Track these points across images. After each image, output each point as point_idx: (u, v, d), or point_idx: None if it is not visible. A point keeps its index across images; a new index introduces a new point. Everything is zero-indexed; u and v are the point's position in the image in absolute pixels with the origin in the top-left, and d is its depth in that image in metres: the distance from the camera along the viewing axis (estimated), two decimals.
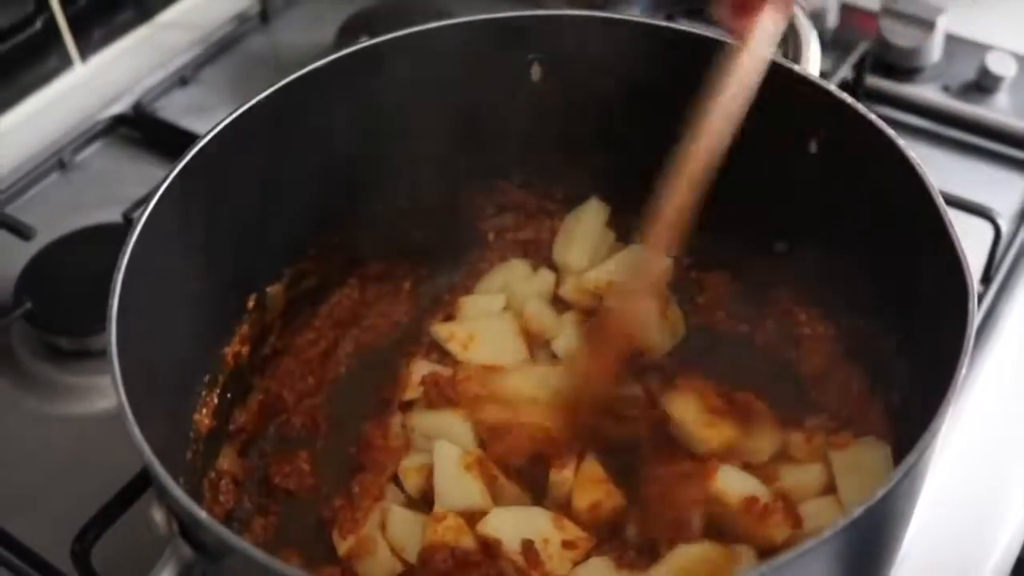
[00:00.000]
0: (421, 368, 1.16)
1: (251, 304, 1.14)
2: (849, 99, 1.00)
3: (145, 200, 0.96)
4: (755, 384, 1.12)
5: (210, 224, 1.05)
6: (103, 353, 1.27)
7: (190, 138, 1.02)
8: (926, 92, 1.55)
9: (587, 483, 1.06)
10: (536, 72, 1.16)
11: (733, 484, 1.02)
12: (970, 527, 1.13)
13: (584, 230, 1.23)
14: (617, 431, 1.11)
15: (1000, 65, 1.53)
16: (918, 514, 1.09)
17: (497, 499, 1.06)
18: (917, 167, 0.93)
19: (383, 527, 1.05)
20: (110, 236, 1.36)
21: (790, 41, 1.09)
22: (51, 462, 1.21)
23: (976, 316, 0.82)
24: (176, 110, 1.62)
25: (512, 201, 1.25)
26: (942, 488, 1.14)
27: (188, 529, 0.78)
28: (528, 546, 1.00)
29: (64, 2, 1.60)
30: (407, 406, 1.15)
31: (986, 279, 1.31)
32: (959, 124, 1.52)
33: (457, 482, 1.05)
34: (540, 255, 1.24)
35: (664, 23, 1.12)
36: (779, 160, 1.08)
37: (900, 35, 1.55)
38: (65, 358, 1.31)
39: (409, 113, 1.14)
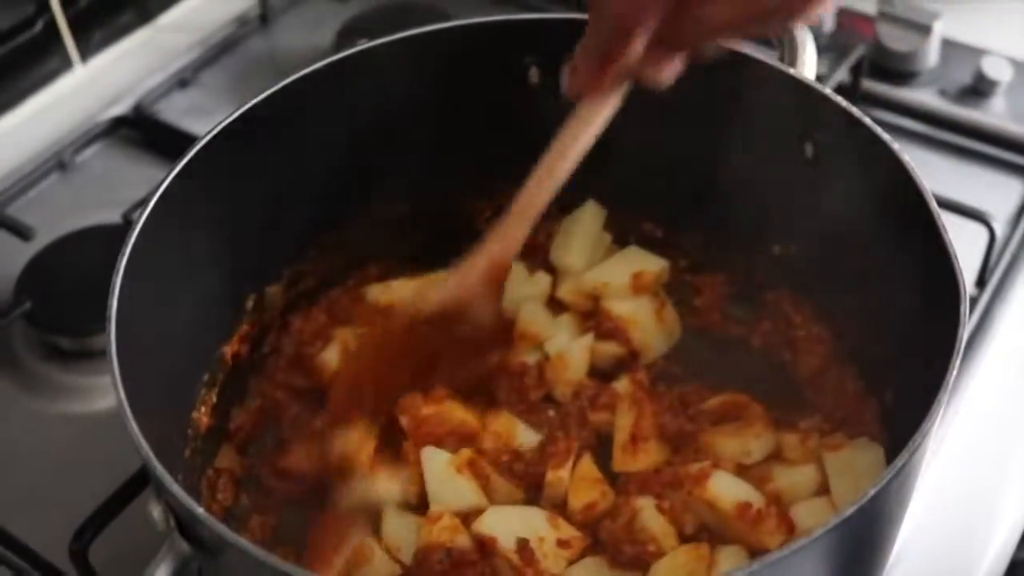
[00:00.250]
0: None
1: (250, 304, 1.15)
2: (843, 102, 1.00)
3: (145, 200, 0.96)
4: (750, 386, 1.13)
5: (209, 225, 1.05)
6: (102, 353, 1.29)
7: (190, 140, 1.02)
8: (922, 96, 1.56)
9: (583, 483, 1.07)
10: (534, 75, 1.16)
11: (726, 490, 1.03)
12: (964, 529, 1.14)
13: (581, 233, 1.23)
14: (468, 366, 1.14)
15: (996, 70, 1.54)
16: (912, 516, 1.10)
17: (491, 497, 1.06)
18: (910, 170, 0.93)
19: (377, 532, 1.06)
20: (110, 237, 1.37)
21: (786, 45, 1.09)
22: (50, 461, 1.22)
23: (967, 317, 0.83)
24: (176, 112, 1.63)
25: (509, 203, 1.26)
26: (936, 490, 1.15)
27: (185, 525, 0.79)
28: (523, 545, 1.00)
29: (65, 4, 1.60)
30: None
31: (981, 282, 1.32)
32: (955, 128, 1.53)
33: (449, 484, 1.05)
34: (537, 258, 1.24)
35: None
36: (775, 163, 1.09)
37: (896, 39, 1.56)
38: (64, 358, 1.31)
39: (407, 115, 1.15)
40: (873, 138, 0.97)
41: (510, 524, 1.02)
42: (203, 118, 1.58)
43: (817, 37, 1.17)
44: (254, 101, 1.05)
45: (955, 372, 0.80)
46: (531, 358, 1.18)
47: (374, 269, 1.25)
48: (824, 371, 1.14)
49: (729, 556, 0.99)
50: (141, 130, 1.60)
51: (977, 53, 1.58)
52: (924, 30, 1.55)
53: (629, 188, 1.20)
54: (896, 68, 1.57)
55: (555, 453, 1.08)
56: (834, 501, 1.03)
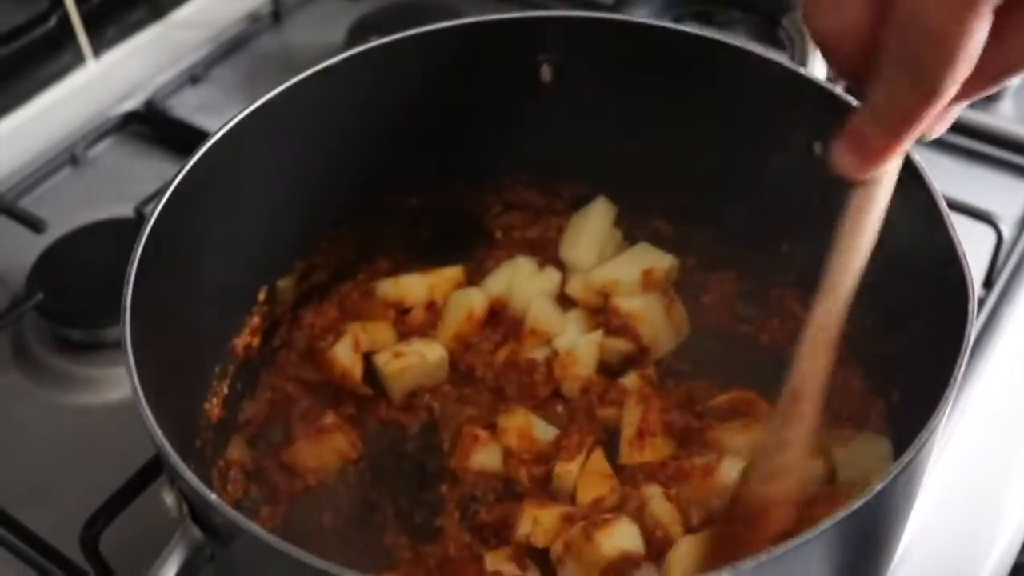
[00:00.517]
0: None
1: (262, 296, 1.15)
2: (852, 100, 1.00)
3: (158, 193, 0.97)
4: (758, 383, 1.13)
5: (222, 218, 1.06)
6: (113, 345, 1.30)
7: (201, 135, 1.03)
8: None
9: (592, 477, 1.07)
10: (546, 72, 1.17)
11: (736, 478, 1.03)
12: (969, 530, 1.14)
13: (591, 229, 1.24)
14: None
15: None
16: (917, 516, 1.10)
17: None
18: (919, 167, 0.94)
19: None
20: (121, 230, 1.38)
21: (796, 44, 1.10)
22: (61, 452, 1.23)
23: (975, 313, 0.83)
24: (188, 108, 1.63)
25: (519, 199, 1.26)
26: (942, 491, 1.15)
27: (198, 512, 0.79)
28: None
29: (78, 0, 1.61)
30: None
31: (988, 284, 1.32)
32: (963, 131, 1.53)
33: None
34: (547, 253, 1.25)
35: (672, 25, 1.13)
36: (784, 161, 1.09)
37: None
38: (76, 350, 1.32)
39: (419, 111, 1.15)
40: None
41: None
42: (214, 114, 1.59)
43: None
44: (267, 96, 1.05)
45: (963, 370, 0.81)
46: (540, 354, 1.18)
47: (384, 263, 1.26)
48: (832, 369, 1.14)
49: None
50: (153, 125, 1.60)
51: None
52: None
53: (639, 186, 1.20)
54: None
55: (567, 447, 1.09)
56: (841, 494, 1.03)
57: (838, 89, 1.02)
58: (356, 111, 1.13)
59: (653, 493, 1.03)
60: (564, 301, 1.23)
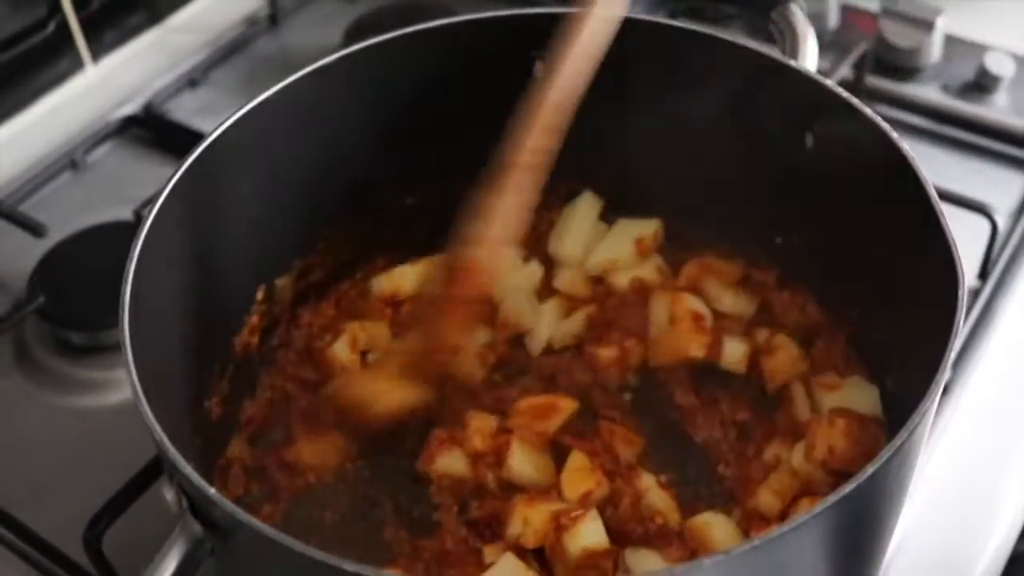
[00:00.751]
0: None
1: (260, 295, 1.16)
2: (843, 92, 1.01)
3: (156, 194, 0.97)
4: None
5: (220, 218, 1.07)
6: (113, 347, 1.30)
7: (200, 139, 1.03)
8: (925, 92, 1.56)
9: (576, 474, 1.08)
10: (540, 69, 1.17)
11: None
12: (965, 522, 1.14)
13: (578, 223, 1.24)
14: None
15: (998, 65, 1.54)
16: (912, 508, 1.11)
17: None
18: (909, 158, 0.94)
19: None
20: (121, 233, 1.37)
21: (787, 37, 1.10)
22: (63, 454, 1.23)
23: (965, 299, 0.84)
24: (186, 111, 1.64)
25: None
26: (937, 482, 1.16)
27: (198, 506, 0.79)
28: None
29: (77, 5, 1.62)
30: None
31: (983, 275, 1.33)
32: (958, 123, 1.54)
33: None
34: (537, 247, 1.25)
35: (666, 20, 1.13)
36: (775, 153, 1.10)
37: (899, 35, 1.57)
38: (76, 352, 1.33)
39: (415, 109, 1.16)
40: (871, 127, 0.98)
41: None
42: (212, 117, 1.57)
43: (821, 34, 1.18)
44: (263, 96, 1.06)
45: (954, 353, 0.81)
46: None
47: (381, 262, 1.26)
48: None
49: None
50: (151, 129, 1.61)
51: (980, 49, 1.59)
52: (927, 26, 1.55)
53: (626, 179, 1.21)
54: (899, 64, 1.58)
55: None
56: None
57: (828, 80, 1.03)
58: (352, 110, 1.14)
59: (649, 484, 1.04)
60: (543, 294, 1.24)
